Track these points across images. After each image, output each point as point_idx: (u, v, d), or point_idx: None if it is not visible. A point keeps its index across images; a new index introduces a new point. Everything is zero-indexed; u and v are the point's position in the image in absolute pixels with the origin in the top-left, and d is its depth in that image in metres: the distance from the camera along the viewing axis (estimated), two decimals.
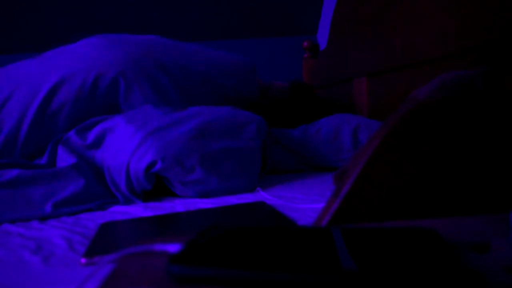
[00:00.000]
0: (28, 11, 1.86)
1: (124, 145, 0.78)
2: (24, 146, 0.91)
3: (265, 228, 0.29)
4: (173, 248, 0.27)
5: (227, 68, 1.10)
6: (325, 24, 2.02)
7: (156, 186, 0.89)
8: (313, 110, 1.31)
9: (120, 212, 0.71)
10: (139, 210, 0.71)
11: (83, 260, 0.45)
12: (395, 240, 0.25)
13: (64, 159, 0.82)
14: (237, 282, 0.22)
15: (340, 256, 0.23)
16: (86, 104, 0.97)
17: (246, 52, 2.15)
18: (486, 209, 0.37)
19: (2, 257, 0.49)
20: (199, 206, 0.72)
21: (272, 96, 1.30)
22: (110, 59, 1.01)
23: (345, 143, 1.04)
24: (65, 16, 1.91)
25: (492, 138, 0.38)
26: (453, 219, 0.33)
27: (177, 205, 0.73)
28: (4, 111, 0.91)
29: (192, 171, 0.75)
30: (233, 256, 0.24)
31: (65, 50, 1.06)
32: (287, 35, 2.16)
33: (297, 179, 0.93)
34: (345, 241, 0.25)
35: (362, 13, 1.33)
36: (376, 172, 0.36)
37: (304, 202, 0.70)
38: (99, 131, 0.85)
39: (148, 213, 0.69)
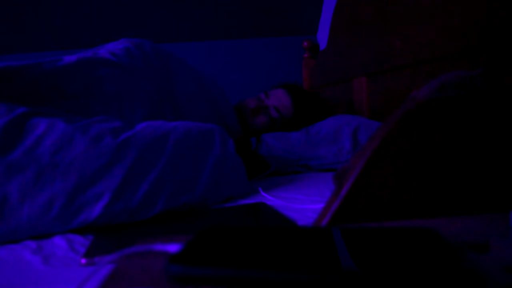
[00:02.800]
0: (28, 11, 1.86)
1: None
2: None
3: (265, 228, 0.29)
4: (173, 248, 0.27)
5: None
6: (325, 24, 2.02)
7: None
8: (316, 114, 1.30)
9: None
10: None
11: (83, 261, 0.45)
12: (395, 240, 0.25)
13: None
14: (236, 282, 0.22)
15: (340, 256, 0.23)
16: None
17: (246, 52, 2.15)
18: (486, 209, 0.37)
19: (3, 257, 0.49)
20: None
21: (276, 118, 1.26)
22: None
23: (345, 145, 1.04)
24: (65, 16, 1.91)
25: (491, 138, 0.38)
26: (453, 219, 0.33)
27: None
28: None
29: None
30: (232, 256, 0.24)
31: None
32: (287, 35, 2.15)
33: (297, 180, 0.93)
34: (345, 241, 0.25)
35: (362, 13, 1.33)
36: (376, 172, 0.36)
37: (304, 202, 0.70)
38: None
39: None
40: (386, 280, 0.20)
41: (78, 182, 0.57)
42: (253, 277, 0.21)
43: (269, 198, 0.73)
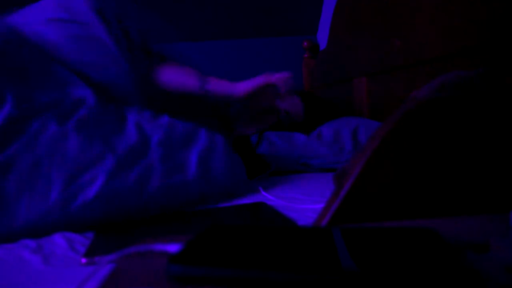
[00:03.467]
0: None
1: None
2: None
3: (265, 228, 0.29)
4: (173, 248, 0.27)
5: None
6: (325, 24, 2.02)
7: None
8: (317, 115, 1.32)
9: None
10: None
11: (83, 260, 0.45)
12: (395, 240, 0.25)
13: None
14: (236, 282, 0.22)
15: (340, 256, 0.23)
16: None
17: (246, 52, 2.15)
18: (486, 209, 0.37)
19: (2, 256, 0.49)
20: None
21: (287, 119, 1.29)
22: None
23: (345, 145, 1.04)
24: None
25: (491, 138, 0.38)
26: (453, 219, 0.33)
27: None
28: None
29: None
30: (232, 256, 0.24)
31: None
32: (287, 35, 2.15)
33: (298, 180, 0.93)
34: (345, 241, 0.25)
35: (362, 13, 1.33)
36: (376, 172, 0.36)
37: (304, 202, 0.70)
38: None
39: None
40: (386, 280, 0.20)
41: (74, 168, 0.61)
42: (253, 277, 0.21)
43: (269, 198, 0.73)
